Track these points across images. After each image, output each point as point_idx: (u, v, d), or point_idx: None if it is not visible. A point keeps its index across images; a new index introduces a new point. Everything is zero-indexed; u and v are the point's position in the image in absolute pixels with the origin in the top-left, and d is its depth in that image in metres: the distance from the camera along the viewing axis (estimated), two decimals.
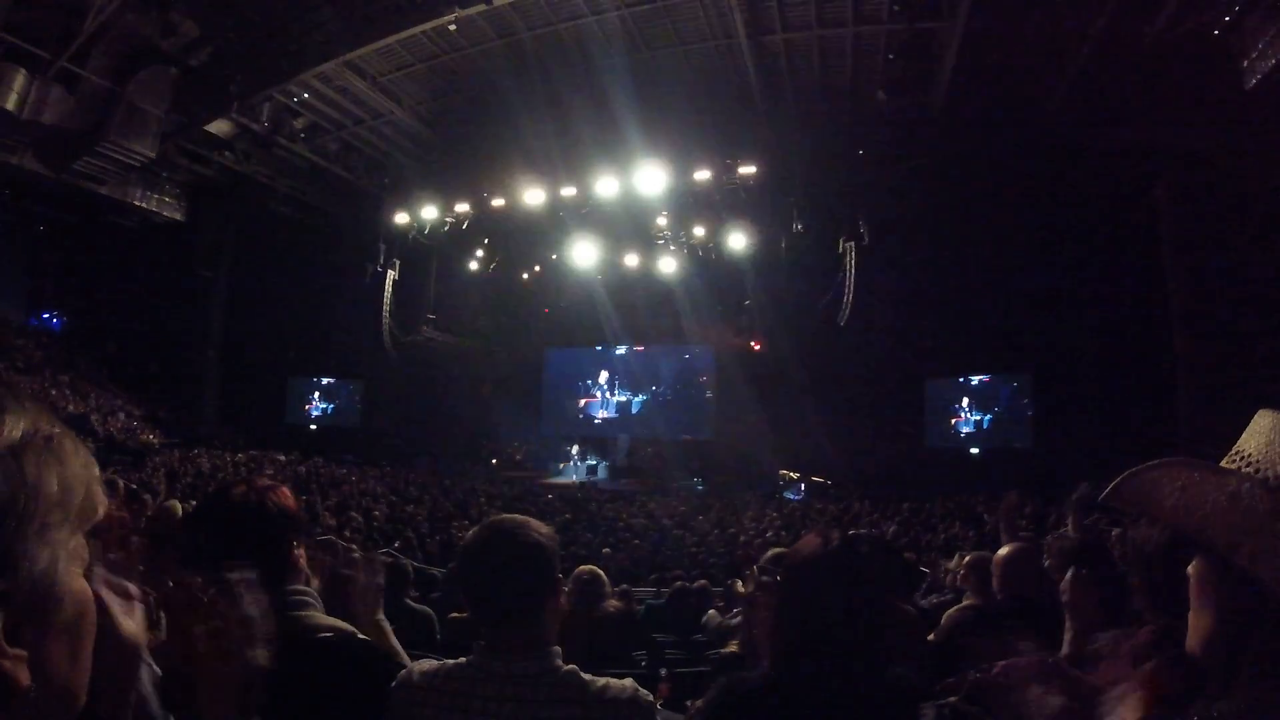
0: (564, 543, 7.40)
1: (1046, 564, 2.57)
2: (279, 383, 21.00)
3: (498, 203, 15.45)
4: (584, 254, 16.51)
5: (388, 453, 18.37)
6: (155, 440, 15.84)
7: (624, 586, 5.07)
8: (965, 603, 2.98)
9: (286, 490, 1.50)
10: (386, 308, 18.15)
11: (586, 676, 1.31)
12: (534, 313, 20.73)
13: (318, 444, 18.24)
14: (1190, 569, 0.83)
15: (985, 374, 16.17)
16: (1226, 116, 10.27)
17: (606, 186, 14.54)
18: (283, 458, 15.19)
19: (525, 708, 1.26)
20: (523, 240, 17.51)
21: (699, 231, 16.11)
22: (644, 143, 13.94)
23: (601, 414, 20.89)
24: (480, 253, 18.10)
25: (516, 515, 1.42)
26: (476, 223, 16.36)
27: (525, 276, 19.19)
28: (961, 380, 16.44)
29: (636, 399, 20.66)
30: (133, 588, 0.71)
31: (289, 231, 19.01)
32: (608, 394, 20.82)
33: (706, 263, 16.90)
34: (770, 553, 2.55)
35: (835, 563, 1.33)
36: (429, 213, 16.18)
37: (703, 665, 3.48)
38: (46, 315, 21.41)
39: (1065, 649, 1.52)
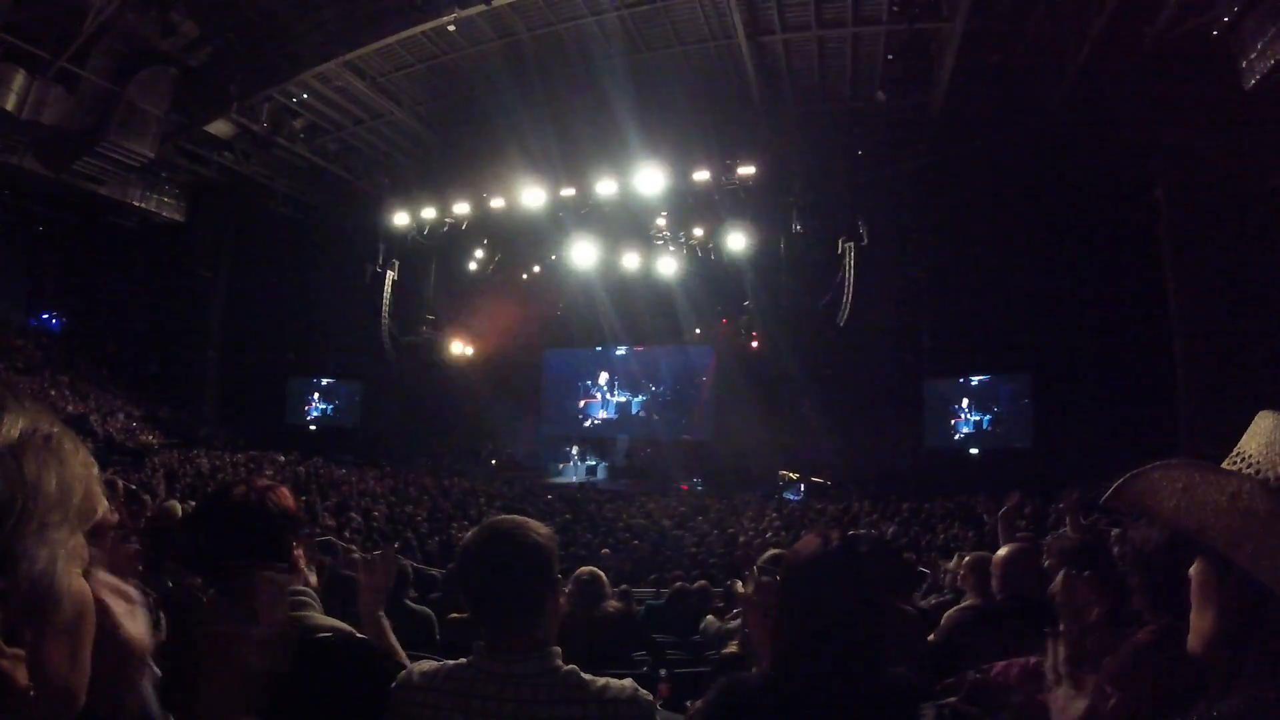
0: (563, 543, 7.42)
1: (1046, 564, 2.57)
2: (278, 383, 20.98)
3: (497, 203, 15.44)
4: (584, 254, 16.50)
5: (387, 453, 18.36)
6: (155, 440, 15.83)
7: (624, 587, 5.07)
8: (965, 603, 2.98)
9: (286, 491, 1.50)
10: (386, 308, 18.15)
11: (586, 676, 1.31)
12: (534, 313, 20.72)
13: (317, 444, 18.23)
14: (1191, 570, 0.83)
15: (985, 374, 16.15)
16: (1226, 116, 10.27)
17: (606, 187, 14.55)
18: (282, 458, 15.18)
19: (525, 708, 1.26)
20: (522, 240, 17.50)
21: (698, 232, 16.11)
22: (643, 143, 13.94)
23: (601, 414, 20.89)
24: (480, 253, 18.10)
25: (515, 516, 1.42)
26: (476, 223, 16.36)
27: (525, 277, 19.19)
28: (961, 380, 16.43)
29: (636, 399, 20.65)
30: (133, 590, 0.71)
31: (289, 232, 19.00)
32: (607, 394, 20.81)
33: (706, 263, 16.90)
34: (768, 554, 2.55)
35: (835, 563, 1.33)
36: (429, 213, 16.18)
37: (703, 665, 3.48)
38: (46, 315, 21.39)
39: (1062, 650, 1.52)
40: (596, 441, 20.56)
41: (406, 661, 1.53)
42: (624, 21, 12.83)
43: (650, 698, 1.33)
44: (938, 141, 13.90)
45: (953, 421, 16.49)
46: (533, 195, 14.96)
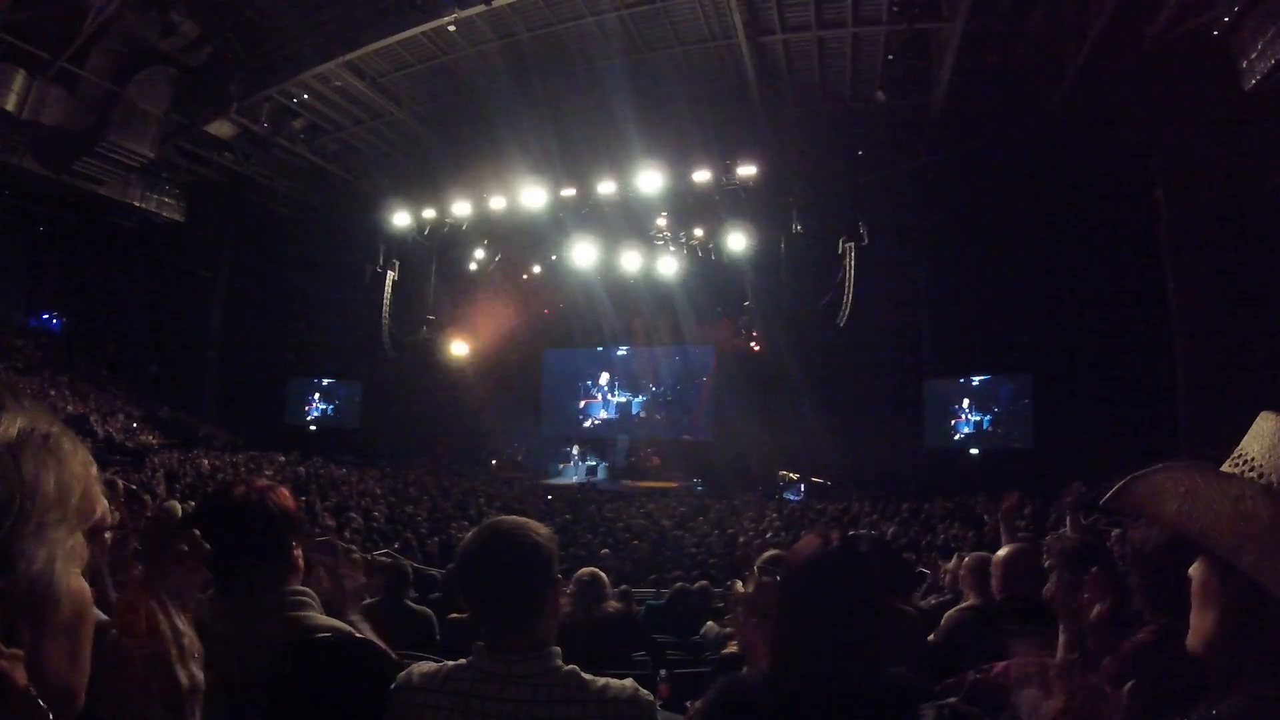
0: (563, 544, 7.42)
1: (1046, 564, 2.57)
2: (278, 383, 20.97)
3: (497, 203, 15.44)
4: (584, 254, 16.51)
5: (387, 454, 18.36)
6: (154, 441, 15.83)
7: (624, 587, 5.07)
8: (965, 603, 2.98)
9: (285, 491, 1.50)
10: (386, 308, 18.14)
11: (586, 676, 1.31)
12: (534, 313, 20.73)
13: (317, 445, 18.23)
14: (1192, 571, 0.83)
15: (985, 374, 16.15)
16: (1226, 116, 10.27)
17: (606, 187, 14.55)
18: (282, 458, 15.18)
19: (525, 708, 1.26)
20: (522, 240, 17.50)
21: (698, 232, 16.11)
22: (643, 143, 13.94)
23: (601, 415, 20.87)
24: (480, 253, 18.10)
25: (515, 516, 1.42)
26: (476, 223, 16.36)
27: (525, 277, 19.19)
28: (961, 380, 16.43)
29: (636, 400, 20.64)
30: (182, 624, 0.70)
31: (289, 232, 19.00)
32: (608, 395, 20.80)
33: (706, 263, 16.90)
34: (766, 554, 2.55)
35: (835, 563, 1.33)
36: (429, 213, 16.18)
37: (703, 665, 3.48)
38: (46, 315, 21.39)
39: (1059, 651, 1.52)
40: (597, 442, 20.55)
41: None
42: (624, 22, 12.82)
43: (650, 698, 1.32)
44: (938, 141, 13.90)
45: (953, 422, 16.48)
46: (533, 195, 14.96)
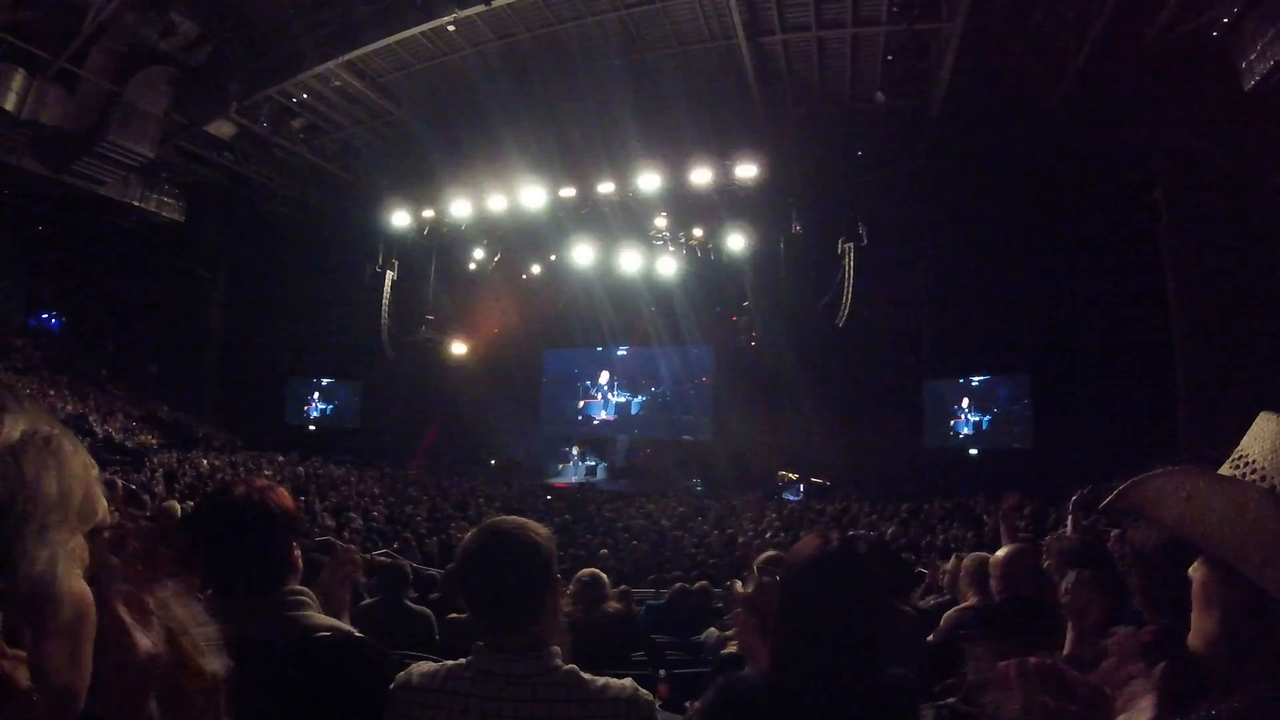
0: (563, 544, 7.42)
1: (1046, 565, 2.57)
2: (277, 383, 20.98)
3: (497, 203, 15.43)
4: (583, 254, 16.51)
5: (386, 454, 18.36)
6: (154, 441, 15.82)
7: (624, 588, 5.07)
8: (965, 603, 2.98)
9: (284, 491, 1.50)
10: (386, 308, 18.13)
11: (586, 676, 1.31)
12: (534, 313, 20.72)
13: (316, 444, 18.23)
14: (1192, 571, 0.83)
15: (985, 374, 16.15)
16: (1226, 116, 10.28)
17: (605, 187, 14.54)
18: (281, 458, 15.18)
19: (525, 708, 1.26)
20: (522, 240, 17.49)
21: (698, 232, 16.08)
22: (643, 143, 13.94)
23: (601, 415, 20.87)
24: (480, 253, 18.09)
25: (514, 516, 1.42)
26: (476, 223, 16.34)
27: (524, 277, 19.18)
28: (961, 381, 16.43)
29: (636, 400, 20.64)
30: (151, 601, 0.70)
31: (288, 232, 18.99)
32: (607, 395, 20.80)
33: (706, 263, 16.88)
34: (765, 555, 2.55)
35: (834, 564, 1.33)
36: (429, 213, 16.17)
37: (702, 665, 3.48)
38: (45, 315, 21.40)
39: (1066, 649, 1.52)
40: (596, 442, 20.54)
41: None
42: (623, 22, 12.83)
43: (650, 697, 1.32)
44: (938, 141, 13.90)
45: (952, 422, 16.48)
46: (532, 195, 14.94)
